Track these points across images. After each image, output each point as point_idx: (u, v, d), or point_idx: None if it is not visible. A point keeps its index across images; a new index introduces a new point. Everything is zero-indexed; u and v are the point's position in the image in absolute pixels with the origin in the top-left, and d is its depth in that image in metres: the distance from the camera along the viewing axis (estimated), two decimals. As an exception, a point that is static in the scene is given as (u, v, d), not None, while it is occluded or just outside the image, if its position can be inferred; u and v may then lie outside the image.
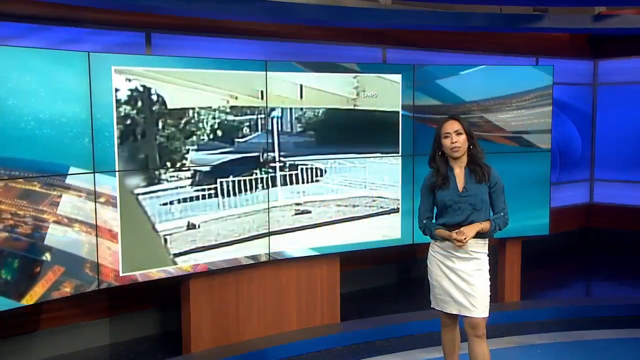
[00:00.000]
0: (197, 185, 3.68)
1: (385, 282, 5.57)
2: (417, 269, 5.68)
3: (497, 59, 5.90)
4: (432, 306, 3.19)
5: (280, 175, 4.01)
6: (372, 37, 5.22)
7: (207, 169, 3.71)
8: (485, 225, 3.04)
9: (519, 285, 4.86)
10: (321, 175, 4.15)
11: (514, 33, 5.84)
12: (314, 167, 4.12)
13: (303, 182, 4.09)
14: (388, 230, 4.40)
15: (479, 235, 3.03)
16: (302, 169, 4.08)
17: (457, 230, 2.99)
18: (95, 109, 3.32)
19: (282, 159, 4.00)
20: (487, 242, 3.12)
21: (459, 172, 3.08)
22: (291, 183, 4.04)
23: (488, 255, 3.13)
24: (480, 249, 3.07)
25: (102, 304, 4.11)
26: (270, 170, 3.96)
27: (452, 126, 3.06)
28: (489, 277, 3.10)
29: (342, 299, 4.48)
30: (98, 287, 3.41)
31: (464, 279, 3.04)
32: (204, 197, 3.71)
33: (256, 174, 3.91)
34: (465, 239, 2.97)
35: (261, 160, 3.91)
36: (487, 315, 3.07)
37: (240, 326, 4.04)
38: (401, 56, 5.34)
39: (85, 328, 4.06)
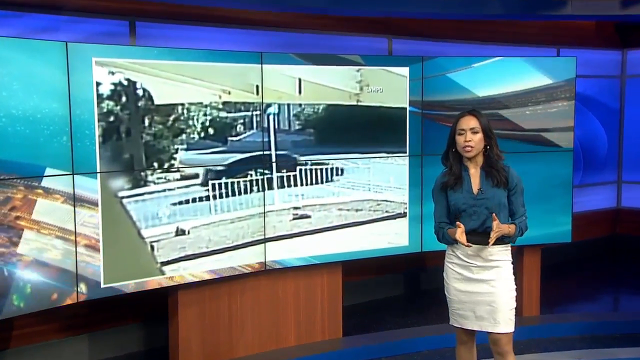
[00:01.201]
0: (186, 188, 3.74)
1: (392, 293, 5.61)
2: (426, 279, 5.72)
3: (514, 50, 5.94)
4: (450, 323, 3.18)
5: (277, 177, 4.07)
6: (377, 26, 5.26)
7: (197, 170, 3.77)
8: (511, 229, 3.03)
9: (539, 297, 4.88)
10: (321, 177, 4.21)
11: (533, 21, 5.89)
12: (313, 168, 4.18)
13: (302, 184, 4.15)
14: (394, 236, 4.46)
15: (498, 240, 3.01)
16: (300, 170, 4.15)
17: (496, 225, 2.93)
18: (75, 105, 3.35)
19: (279, 159, 4.06)
20: (509, 248, 3.11)
21: (474, 173, 3.08)
22: (289, 185, 4.11)
23: (512, 263, 3.13)
24: (501, 256, 3.06)
25: (80, 319, 4.13)
26: (266, 171, 4.02)
27: (468, 123, 3.04)
28: (513, 287, 3.09)
29: (344, 312, 4.53)
30: (77, 299, 3.43)
31: (485, 290, 3.03)
32: (194, 200, 3.76)
33: (251, 175, 3.97)
34: (500, 232, 2.94)
35: (256, 160, 3.98)
36: (511, 330, 3.05)
37: (233, 341, 4.09)
38: (409, 47, 5.38)
39: (61, 345, 4.08)
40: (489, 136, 3.05)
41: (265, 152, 4.00)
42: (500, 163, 3.07)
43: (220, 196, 3.86)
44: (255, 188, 3.99)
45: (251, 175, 3.96)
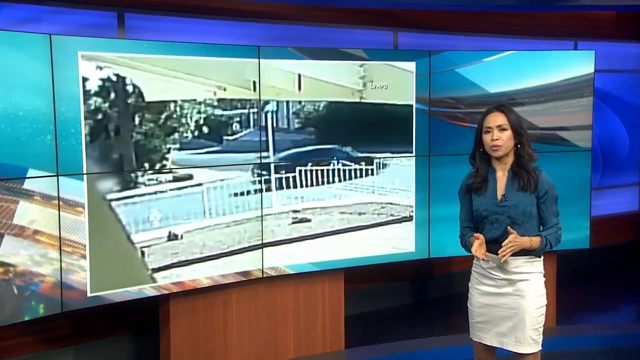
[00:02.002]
0: (179, 190, 3.77)
1: (397, 302, 5.62)
2: (434, 287, 5.74)
3: (527, 43, 5.96)
4: (470, 336, 3.16)
5: (276, 178, 4.10)
6: (382, 18, 5.28)
7: (191, 170, 3.80)
8: (534, 242, 2.94)
9: (555, 307, 4.88)
10: (322, 178, 4.24)
11: (548, 12, 5.91)
12: (314, 168, 4.21)
13: (301, 186, 4.18)
14: (399, 241, 4.48)
15: (522, 252, 2.95)
16: (300, 170, 4.18)
17: (507, 240, 2.88)
18: (59, 102, 3.36)
19: (277, 159, 4.09)
20: (538, 259, 3.02)
21: (501, 176, 3.02)
22: (288, 187, 4.13)
23: (544, 276, 3.06)
24: (528, 268, 2.99)
25: (65, 330, 4.15)
26: (264, 172, 4.05)
27: (495, 119, 2.98)
28: (542, 303, 3.02)
29: (346, 322, 4.55)
30: (61, 309, 3.44)
31: (508, 305, 2.98)
32: (187, 203, 3.79)
33: (247, 176, 4.00)
34: (512, 250, 2.88)
35: (253, 160, 4.01)
36: (535, 350, 3.00)
37: (229, 354, 4.11)
38: (415, 41, 5.40)
39: (45, 359, 4.09)
40: (519, 133, 2.98)
41: (263, 152, 4.03)
42: (531, 164, 3.00)
43: (216, 199, 3.89)
44: (252, 190, 4.02)
45: (248, 176, 3.99)
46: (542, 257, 3.06)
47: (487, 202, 3.01)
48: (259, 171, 4.04)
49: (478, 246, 2.94)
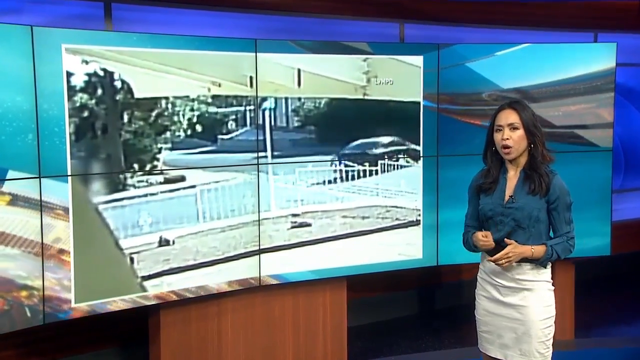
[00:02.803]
0: (171, 192, 3.79)
1: (404, 313, 5.63)
2: (443, 297, 5.75)
3: (543, 36, 5.96)
4: (478, 346, 3.19)
5: (274, 180, 4.12)
6: (388, 9, 5.28)
7: (183, 172, 3.82)
8: (537, 251, 2.95)
9: (573, 319, 4.90)
10: (323, 180, 4.26)
11: (565, 2, 5.91)
12: (314, 169, 4.23)
13: (301, 189, 4.20)
14: (405, 247, 4.50)
15: (525, 260, 2.96)
16: (300, 172, 4.19)
17: (502, 253, 2.90)
18: (42, 98, 3.36)
19: (275, 159, 4.11)
20: (544, 268, 3.01)
21: (512, 177, 3.04)
22: (286, 189, 4.15)
23: (553, 285, 3.06)
24: (533, 277, 2.99)
25: (48, 344, 4.15)
26: (261, 173, 4.07)
27: (507, 117, 2.98)
28: (549, 314, 3.02)
29: (349, 334, 4.57)
30: (43, 321, 3.44)
31: (512, 316, 2.99)
32: (179, 206, 3.81)
33: (244, 178, 4.01)
34: (508, 262, 2.90)
35: (250, 161, 4.03)
36: None
37: (223, 367, 4.14)
38: (423, 33, 5.40)
39: (27, 372, 4.11)
40: (532, 133, 2.96)
41: (261, 152, 4.05)
42: (545, 167, 2.99)
43: (210, 202, 3.91)
44: (248, 192, 4.04)
45: (244, 178, 4.01)
46: (550, 266, 3.06)
47: (493, 202, 3.03)
48: (256, 172, 4.06)
49: (483, 235, 2.97)
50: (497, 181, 3.05)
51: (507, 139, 2.97)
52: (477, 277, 3.16)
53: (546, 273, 3.03)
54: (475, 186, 3.13)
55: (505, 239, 2.95)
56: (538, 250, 2.96)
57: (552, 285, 3.07)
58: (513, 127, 2.97)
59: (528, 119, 2.98)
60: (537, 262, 2.98)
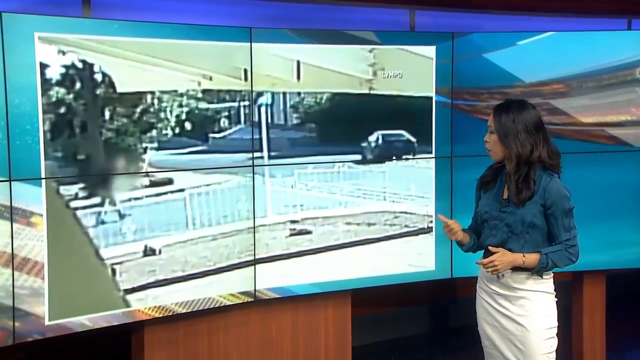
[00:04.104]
0: (157, 197, 3.81)
1: (414, 331, 5.63)
2: (457, 313, 5.74)
3: (570, 23, 5.95)
4: None
5: (271, 183, 4.14)
6: (396, -6, 5.32)
7: (171, 174, 3.83)
8: (529, 260, 3.02)
9: (604, 337, 4.88)
10: (325, 183, 4.28)
11: (594, -15, 5.92)
12: (315, 171, 4.26)
13: (301, 192, 4.22)
14: (416, 257, 4.51)
15: (519, 267, 3.04)
16: (299, 174, 4.22)
17: (488, 259, 3.01)
18: (12, 93, 3.35)
19: (272, 160, 4.15)
20: (541, 278, 3.08)
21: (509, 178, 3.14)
22: (284, 193, 4.18)
23: (556, 296, 3.12)
24: (530, 285, 3.07)
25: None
26: (256, 175, 4.10)
27: (490, 118, 3.15)
28: (550, 325, 3.08)
29: (354, 354, 4.58)
30: (13, 341, 3.43)
31: (512, 327, 3.07)
32: (167, 212, 3.83)
33: (237, 181, 4.04)
34: (495, 270, 3.00)
35: (244, 162, 4.06)
36: None
37: (215, 390, 4.16)
38: (436, 20, 5.37)
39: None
40: (504, 143, 3.04)
41: (256, 153, 4.08)
42: (537, 170, 3.04)
43: (200, 207, 3.93)
44: (242, 197, 4.06)
45: (238, 181, 4.04)
46: (552, 275, 3.12)
47: (489, 203, 3.15)
48: (251, 175, 4.09)
49: (455, 228, 3.11)
50: (497, 179, 3.16)
51: (486, 141, 3.13)
52: (477, 287, 3.26)
53: (546, 283, 3.10)
54: (479, 182, 3.25)
55: (490, 247, 3.05)
56: (530, 258, 3.03)
57: (555, 295, 3.13)
58: (490, 131, 3.12)
59: (503, 125, 3.05)
60: (532, 272, 3.05)
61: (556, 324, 3.11)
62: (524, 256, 3.03)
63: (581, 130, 4.61)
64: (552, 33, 4.65)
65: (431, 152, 4.50)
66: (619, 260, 4.72)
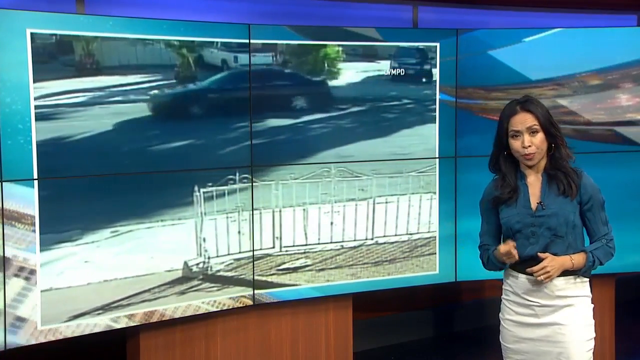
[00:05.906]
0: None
1: (417, 336, 5.62)
2: (462, 317, 5.74)
3: (578, 19, 5.94)
4: None
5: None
6: (399, -10, 5.30)
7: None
8: (577, 260, 2.96)
9: (613, 344, 4.88)
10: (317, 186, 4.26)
11: (603, -21, 5.90)
12: (310, 173, 4.23)
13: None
14: (419, 261, 4.50)
15: (565, 271, 2.96)
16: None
17: (539, 266, 2.90)
18: (4, 91, 3.34)
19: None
20: (586, 280, 3.03)
21: (534, 181, 3.03)
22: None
23: (592, 302, 3.06)
24: (574, 291, 2.99)
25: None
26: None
27: (524, 121, 2.96)
28: (591, 334, 3.03)
29: (355, 359, 4.57)
30: (4, 347, 3.43)
31: (552, 338, 2.97)
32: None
33: (232, 182, 4.03)
34: (548, 277, 2.90)
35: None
36: None
37: (212, 398, 4.15)
38: (440, 17, 5.38)
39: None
40: (551, 134, 2.97)
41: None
42: (569, 165, 3.01)
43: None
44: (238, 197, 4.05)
45: (232, 182, 4.03)
46: (589, 278, 3.06)
47: (519, 212, 3.01)
48: (248, 175, 4.08)
49: (509, 248, 2.93)
50: (517, 189, 3.03)
51: (530, 145, 2.96)
52: (502, 299, 3.14)
53: (587, 286, 3.05)
54: (492, 200, 3.09)
55: (539, 254, 2.94)
56: (578, 259, 2.97)
57: (592, 301, 3.08)
58: (532, 131, 2.96)
59: (545, 119, 2.97)
60: (579, 273, 2.99)
61: (594, 334, 3.05)
62: (572, 258, 2.96)
63: (589, 130, 4.59)
64: (559, 29, 4.64)
65: (434, 152, 4.46)
66: (628, 264, 4.70)
